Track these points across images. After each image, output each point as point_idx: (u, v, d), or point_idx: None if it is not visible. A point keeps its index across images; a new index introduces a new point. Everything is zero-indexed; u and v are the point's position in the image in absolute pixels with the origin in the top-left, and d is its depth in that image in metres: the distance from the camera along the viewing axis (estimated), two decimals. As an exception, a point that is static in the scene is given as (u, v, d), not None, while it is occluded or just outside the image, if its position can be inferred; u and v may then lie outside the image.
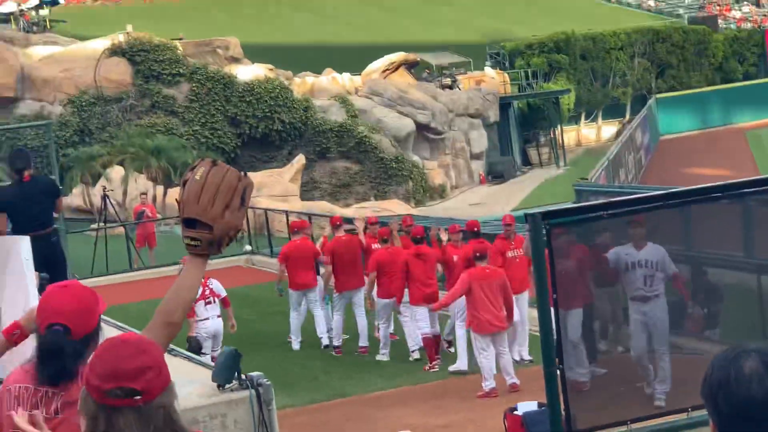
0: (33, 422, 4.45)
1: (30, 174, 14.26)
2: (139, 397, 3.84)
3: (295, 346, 23.24)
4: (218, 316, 19.60)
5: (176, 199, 4.80)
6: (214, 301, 19.54)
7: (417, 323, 21.60)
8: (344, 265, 22.60)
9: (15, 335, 6.10)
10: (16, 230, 13.62)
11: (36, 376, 5.28)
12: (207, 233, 4.74)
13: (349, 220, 26.39)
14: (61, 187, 15.50)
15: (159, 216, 45.35)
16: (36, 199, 13.96)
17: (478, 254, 19.29)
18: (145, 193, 44.33)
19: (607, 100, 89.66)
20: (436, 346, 21.60)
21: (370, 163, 66.68)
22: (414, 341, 21.99)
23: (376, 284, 22.12)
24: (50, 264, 13.62)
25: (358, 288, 22.67)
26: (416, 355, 21.95)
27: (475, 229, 21.55)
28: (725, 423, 3.10)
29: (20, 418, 4.46)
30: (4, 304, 6.72)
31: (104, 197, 39.48)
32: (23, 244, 6.90)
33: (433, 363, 21.27)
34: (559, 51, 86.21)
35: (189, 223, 4.75)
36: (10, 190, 14.02)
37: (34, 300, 6.96)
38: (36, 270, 13.65)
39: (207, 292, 19.26)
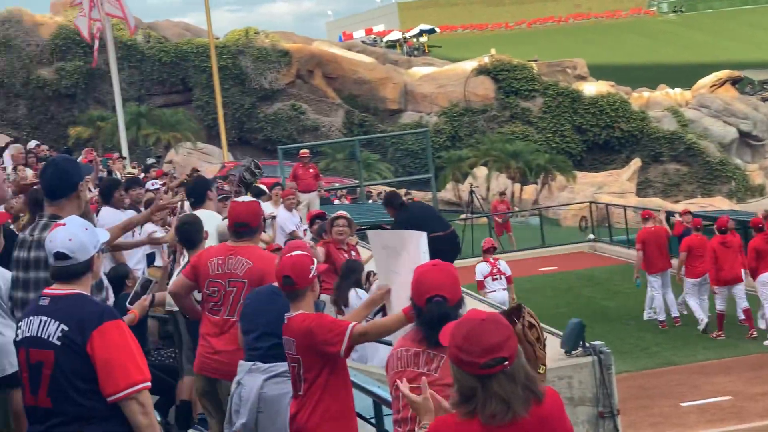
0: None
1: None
2: (507, 362, 3.95)
3: (645, 317, 22.76)
4: (503, 289, 19.69)
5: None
6: (500, 278, 19.68)
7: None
8: (653, 251, 22.08)
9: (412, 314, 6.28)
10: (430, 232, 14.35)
11: (420, 340, 5.43)
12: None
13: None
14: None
15: (515, 209, 45.56)
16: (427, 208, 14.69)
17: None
18: (504, 192, 44.47)
19: None
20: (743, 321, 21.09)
21: (698, 165, 65.20)
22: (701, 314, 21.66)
23: (685, 265, 21.68)
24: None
25: (666, 269, 22.13)
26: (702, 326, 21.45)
27: (760, 225, 20.83)
28: None
29: (404, 386, 4.60)
30: (394, 287, 6.87)
31: (471, 192, 39.95)
32: (422, 238, 7.06)
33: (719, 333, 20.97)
34: None
35: None
36: (405, 213, 14.63)
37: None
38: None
39: (495, 270, 19.51)
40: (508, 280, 19.92)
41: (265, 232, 16.75)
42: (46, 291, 5.48)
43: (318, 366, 6.56)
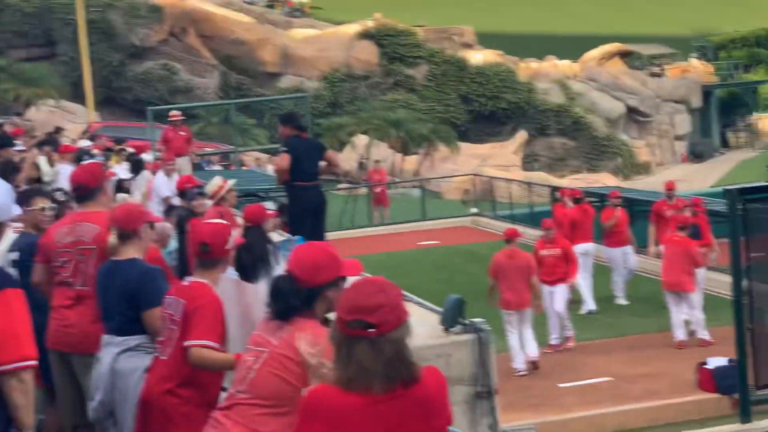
0: None
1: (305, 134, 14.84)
2: (372, 330, 3.97)
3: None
4: None
5: None
6: None
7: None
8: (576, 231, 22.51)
9: None
10: (296, 177, 14.15)
11: None
12: None
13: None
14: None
15: (395, 180, 45.73)
16: (311, 154, 14.41)
17: (680, 225, 19.24)
18: (378, 161, 44.50)
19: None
20: None
21: (584, 140, 66.12)
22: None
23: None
24: (319, 209, 14.55)
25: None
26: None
27: (578, 197, 23.02)
28: None
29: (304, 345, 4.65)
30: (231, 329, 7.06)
31: (361, 164, 39.94)
32: (261, 288, 7.31)
33: None
34: (760, 45, 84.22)
35: None
36: (296, 141, 14.40)
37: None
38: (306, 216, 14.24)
39: None
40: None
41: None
42: None
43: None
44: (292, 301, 5.32)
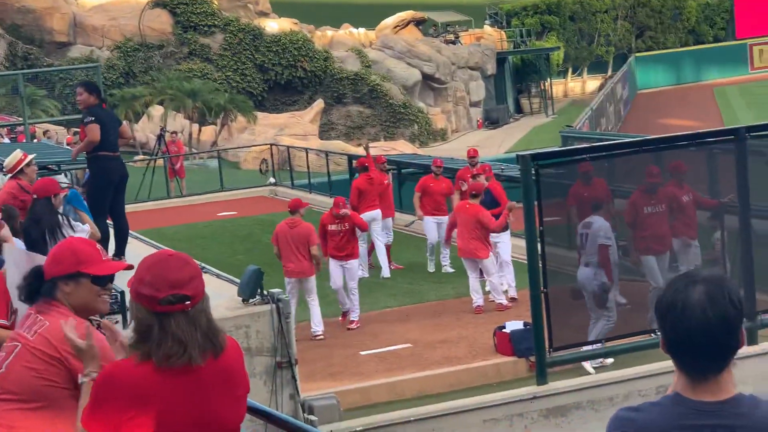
0: None
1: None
2: (189, 302, 3.94)
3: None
4: None
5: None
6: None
7: None
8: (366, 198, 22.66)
9: None
10: (101, 148, 13.87)
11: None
12: None
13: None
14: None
15: (186, 150, 45.25)
16: (113, 126, 14.21)
17: (473, 192, 19.48)
18: (174, 132, 43.85)
19: (592, 57, 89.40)
20: None
21: (381, 108, 66.57)
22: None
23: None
24: (121, 181, 14.58)
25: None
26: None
27: (365, 165, 23.57)
28: (671, 343, 3.11)
29: (68, 328, 4.51)
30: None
31: (160, 136, 39.26)
32: None
33: None
34: (551, 13, 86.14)
35: None
36: (100, 111, 14.09)
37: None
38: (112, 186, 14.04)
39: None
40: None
41: None
42: None
43: None
44: (23, 288, 5.17)
